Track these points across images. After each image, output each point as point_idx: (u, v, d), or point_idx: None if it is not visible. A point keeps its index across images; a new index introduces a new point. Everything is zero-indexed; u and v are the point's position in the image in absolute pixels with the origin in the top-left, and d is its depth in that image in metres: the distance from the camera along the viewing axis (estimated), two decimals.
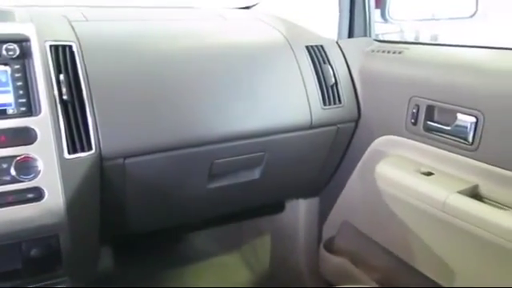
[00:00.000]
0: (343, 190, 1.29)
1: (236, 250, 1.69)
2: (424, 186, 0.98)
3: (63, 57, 0.89)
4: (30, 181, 0.81)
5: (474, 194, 0.92)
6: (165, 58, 1.00)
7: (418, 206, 0.99)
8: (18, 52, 0.84)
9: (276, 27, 1.21)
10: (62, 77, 0.86)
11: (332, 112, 1.14)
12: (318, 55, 1.16)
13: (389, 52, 1.13)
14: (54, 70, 0.87)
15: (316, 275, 1.44)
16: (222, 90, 1.01)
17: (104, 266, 1.27)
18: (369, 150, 1.17)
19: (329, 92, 1.14)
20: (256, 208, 1.41)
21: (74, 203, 0.85)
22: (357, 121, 1.19)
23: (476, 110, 0.90)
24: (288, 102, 1.09)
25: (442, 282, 1.00)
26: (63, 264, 0.89)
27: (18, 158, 0.80)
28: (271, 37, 1.17)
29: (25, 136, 0.82)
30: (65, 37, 0.93)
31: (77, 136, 0.86)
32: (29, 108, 0.84)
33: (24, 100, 0.84)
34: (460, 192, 0.91)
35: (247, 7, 1.51)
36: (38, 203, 0.82)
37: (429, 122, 1.01)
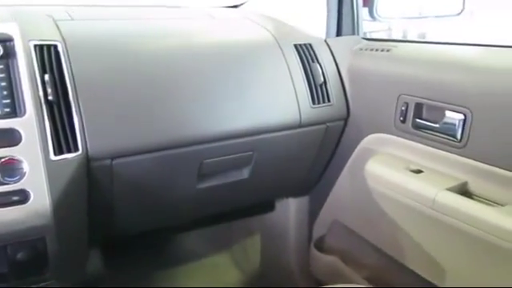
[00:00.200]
0: (333, 189, 1.29)
1: (226, 250, 1.68)
2: (413, 183, 0.98)
3: (48, 56, 0.88)
4: (15, 183, 0.80)
5: (463, 191, 0.93)
6: (152, 58, 0.99)
7: (407, 204, 1.00)
8: (1, 52, 0.83)
9: (264, 26, 1.20)
10: (47, 77, 0.85)
11: (321, 111, 1.13)
12: (306, 54, 1.16)
13: (377, 50, 1.13)
14: (39, 70, 0.85)
15: (307, 274, 1.44)
16: (210, 89, 1.00)
17: (93, 268, 1.25)
18: (358, 148, 1.17)
19: (317, 91, 1.14)
20: (246, 208, 1.41)
21: (61, 205, 0.83)
22: (346, 119, 1.19)
23: (464, 107, 0.91)
24: (277, 101, 1.08)
25: (432, 280, 1.00)
26: (50, 267, 0.87)
27: (3, 160, 0.79)
28: (259, 35, 1.17)
29: (9, 137, 0.80)
30: (50, 36, 0.92)
31: (63, 137, 0.84)
32: (13, 109, 0.82)
33: (8, 101, 0.82)
34: (449, 189, 0.92)
35: (235, 6, 1.51)
36: (24, 206, 0.80)
37: (417, 120, 1.02)
